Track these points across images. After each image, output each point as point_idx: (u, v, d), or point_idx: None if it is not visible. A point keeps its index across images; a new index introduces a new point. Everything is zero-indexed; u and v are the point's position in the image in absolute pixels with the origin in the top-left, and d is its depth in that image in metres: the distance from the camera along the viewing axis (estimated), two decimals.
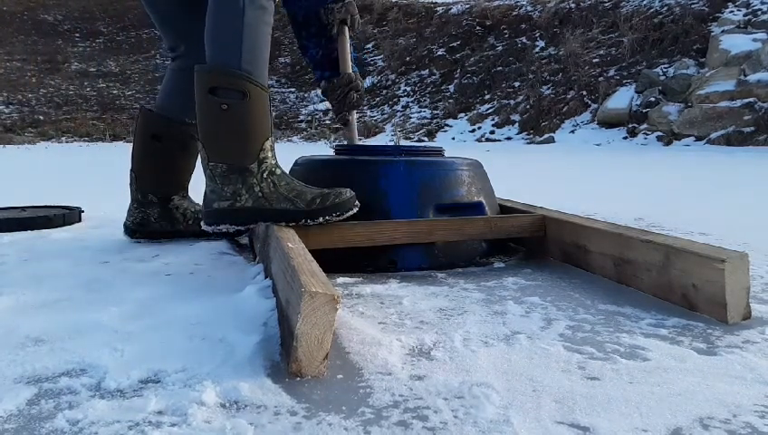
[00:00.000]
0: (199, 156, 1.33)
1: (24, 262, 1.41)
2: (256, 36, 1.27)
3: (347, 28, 1.61)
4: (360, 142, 1.70)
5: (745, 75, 8.62)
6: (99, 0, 19.88)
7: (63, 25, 18.81)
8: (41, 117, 13.44)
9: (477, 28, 14.15)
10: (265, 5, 1.29)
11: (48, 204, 2.25)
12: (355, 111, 1.65)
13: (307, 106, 14.35)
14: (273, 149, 1.29)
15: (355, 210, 1.27)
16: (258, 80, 1.25)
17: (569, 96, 10.86)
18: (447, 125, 11.94)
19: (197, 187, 1.70)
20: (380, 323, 0.96)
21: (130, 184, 1.67)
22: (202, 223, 1.30)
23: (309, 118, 13.73)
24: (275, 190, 1.25)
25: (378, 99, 13.71)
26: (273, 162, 1.28)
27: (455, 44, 14.08)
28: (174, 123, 1.65)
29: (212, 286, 1.17)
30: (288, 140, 11.77)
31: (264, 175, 1.25)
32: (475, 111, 11.99)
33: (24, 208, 2.11)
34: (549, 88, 11.39)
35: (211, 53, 1.28)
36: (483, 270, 1.34)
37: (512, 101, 11.65)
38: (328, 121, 12.60)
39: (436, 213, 1.39)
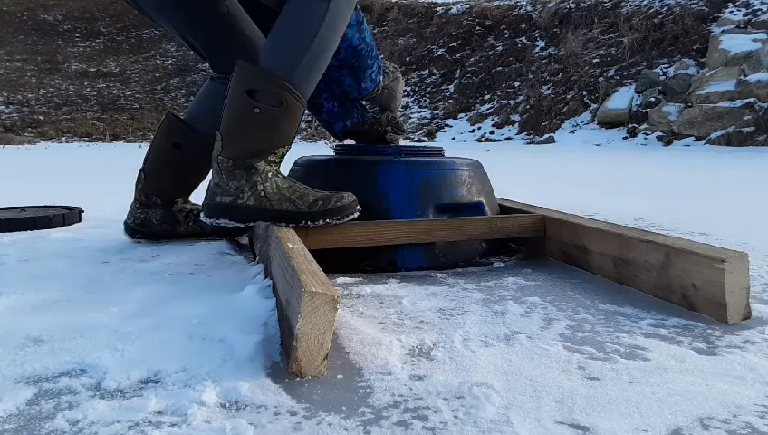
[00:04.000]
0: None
1: (24, 262, 1.41)
2: (321, 55, 1.24)
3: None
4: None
5: (745, 75, 8.62)
6: (99, 0, 19.89)
7: (63, 25, 18.82)
8: (41, 117, 13.45)
9: (477, 28, 14.16)
10: (344, 29, 1.27)
11: (48, 204, 2.25)
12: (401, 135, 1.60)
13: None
14: (283, 156, 1.28)
15: (356, 215, 1.27)
16: (299, 92, 1.23)
17: (569, 96, 10.87)
18: (447, 125, 11.95)
19: (198, 190, 1.70)
20: (380, 323, 0.96)
21: (137, 183, 1.66)
22: (202, 215, 1.29)
23: (309, 118, 13.73)
24: (278, 191, 1.25)
25: None
26: (278, 166, 1.28)
27: (455, 44, 14.08)
28: (199, 135, 1.61)
29: (212, 286, 1.17)
30: None
31: (269, 174, 1.25)
32: (475, 111, 11.99)
33: (23, 208, 2.11)
34: (549, 88, 11.40)
35: (266, 55, 1.24)
36: (483, 270, 1.34)
37: (512, 101, 11.66)
38: None
39: (436, 213, 1.39)
